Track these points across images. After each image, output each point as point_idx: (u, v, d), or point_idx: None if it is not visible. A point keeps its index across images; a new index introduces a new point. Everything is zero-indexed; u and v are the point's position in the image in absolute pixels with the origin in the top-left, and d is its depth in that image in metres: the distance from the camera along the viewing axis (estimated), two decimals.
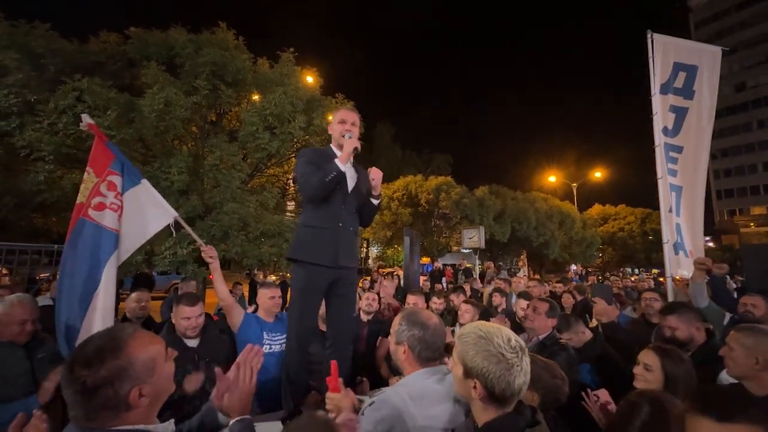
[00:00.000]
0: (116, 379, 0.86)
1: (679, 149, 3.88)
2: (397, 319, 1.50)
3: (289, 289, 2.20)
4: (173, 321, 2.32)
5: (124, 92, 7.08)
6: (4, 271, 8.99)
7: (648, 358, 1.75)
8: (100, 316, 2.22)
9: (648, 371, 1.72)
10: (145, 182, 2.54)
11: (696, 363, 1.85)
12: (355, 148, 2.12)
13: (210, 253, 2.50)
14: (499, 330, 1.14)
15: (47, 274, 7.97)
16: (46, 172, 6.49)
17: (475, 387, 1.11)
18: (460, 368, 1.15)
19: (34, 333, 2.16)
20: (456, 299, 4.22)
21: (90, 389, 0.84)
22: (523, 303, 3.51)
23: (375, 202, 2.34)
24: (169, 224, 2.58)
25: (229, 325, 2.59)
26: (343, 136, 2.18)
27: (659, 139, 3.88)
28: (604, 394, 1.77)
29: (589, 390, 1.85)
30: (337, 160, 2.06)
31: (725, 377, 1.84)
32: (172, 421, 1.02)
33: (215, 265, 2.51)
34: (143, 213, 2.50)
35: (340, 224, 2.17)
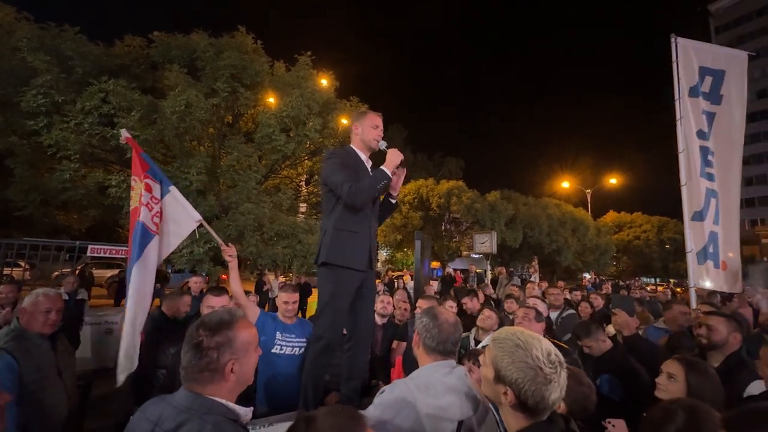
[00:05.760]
0: (222, 346, 1.03)
1: (713, 153, 3.78)
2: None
3: (318, 292, 2.18)
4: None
5: (147, 94, 7.28)
6: (27, 266, 9.31)
7: (672, 367, 1.70)
8: (132, 303, 2.38)
9: (671, 381, 1.68)
10: (173, 188, 2.71)
11: (725, 370, 1.84)
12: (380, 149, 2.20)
13: (230, 252, 2.54)
14: (539, 341, 1.10)
15: (68, 270, 8.20)
16: (72, 171, 6.70)
17: (506, 393, 1.09)
18: (492, 372, 1.13)
19: (57, 327, 2.24)
20: (469, 302, 4.13)
21: (202, 348, 1.01)
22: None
23: (393, 201, 2.38)
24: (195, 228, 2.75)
25: None
26: (377, 142, 2.23)
27: (684, 144, 3.79)
28: (620, 426, 1.74)
29: (609, 421, 1.80)
30: (385, 168, 2.11)
31: (756, 387, 1.79)
32: (251, 408, 1.11)
33: (233, 264, 2.55)
34: (178, 217, 2.70)
35: (371, 228, 2.21)
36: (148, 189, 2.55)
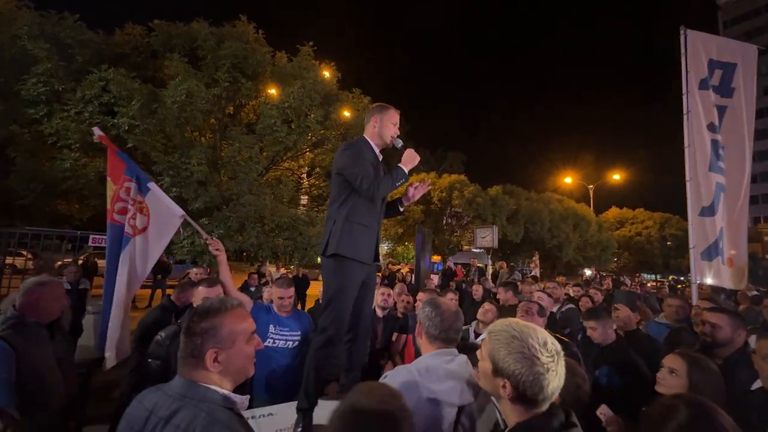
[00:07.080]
0: (205, 333, 1.03)
1: (723, 147, 3.72)
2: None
3: (324, 283, 2.19)
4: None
5: (147, 83, 7.21)
6: (29, 256, 9.35)
7: (675, 362, 1.68)
8: (117, 305, 2.44)
9: (673, 376, 1.65)
10: (153, 185, 2.67)
11: (728, 367, 1.84)
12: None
13: (216, 246, 2.51)
14: (535, 331, 1.08)
15: (69, 260, 8.22)
16: (72, 160, 6.68)
17: (504, 386, 1.07)
18: (489, 365, 1.11)
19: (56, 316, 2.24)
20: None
21: (190, 333, 1.03)
22: None
23: (401, 209, 2.43)
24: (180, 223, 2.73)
25: None
26: (393, 138, 2.26)
27: (690, 138, 3.73)
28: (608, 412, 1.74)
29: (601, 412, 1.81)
30: (403, 166, 2.18)
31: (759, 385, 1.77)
32: (248, 397, 1.11)
33: (222, 258, 2.53)
34: (163, 215, 2.67)
35: (379, 222, 2.26)
36: (128, 192, 2.54)
